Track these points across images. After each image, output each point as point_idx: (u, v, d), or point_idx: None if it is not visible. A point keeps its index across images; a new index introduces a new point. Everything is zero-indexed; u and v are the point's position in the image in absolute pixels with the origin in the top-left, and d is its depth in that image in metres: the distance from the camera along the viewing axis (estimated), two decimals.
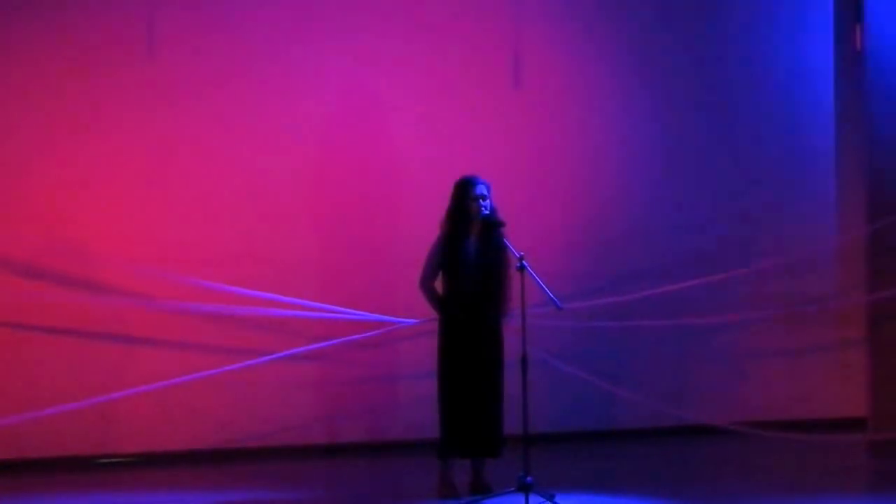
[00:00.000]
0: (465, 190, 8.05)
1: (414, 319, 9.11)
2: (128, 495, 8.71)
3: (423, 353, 8.41)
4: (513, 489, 7.72)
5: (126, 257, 9.42)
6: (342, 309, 9.35)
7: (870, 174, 9.69)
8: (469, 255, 8.02)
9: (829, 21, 10.55)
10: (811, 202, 10.65)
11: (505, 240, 8.00)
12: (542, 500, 7.70)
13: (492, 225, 8.00)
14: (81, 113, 9.46)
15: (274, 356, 9.35)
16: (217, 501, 8.34)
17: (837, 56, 10.54)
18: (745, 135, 10.62)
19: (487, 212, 8.01)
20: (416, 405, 9.19)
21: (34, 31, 9.40)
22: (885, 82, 9.60)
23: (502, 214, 8.08)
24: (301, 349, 9.47)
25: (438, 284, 8.19)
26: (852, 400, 10.11)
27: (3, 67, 9.38)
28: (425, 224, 8.26)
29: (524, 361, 7.70)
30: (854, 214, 10.19)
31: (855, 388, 9.98)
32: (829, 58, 10.60)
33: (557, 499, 7.77)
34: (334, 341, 9.45)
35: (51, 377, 9.33)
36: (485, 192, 8.03)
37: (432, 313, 8.23)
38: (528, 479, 7.63)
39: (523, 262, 7.75)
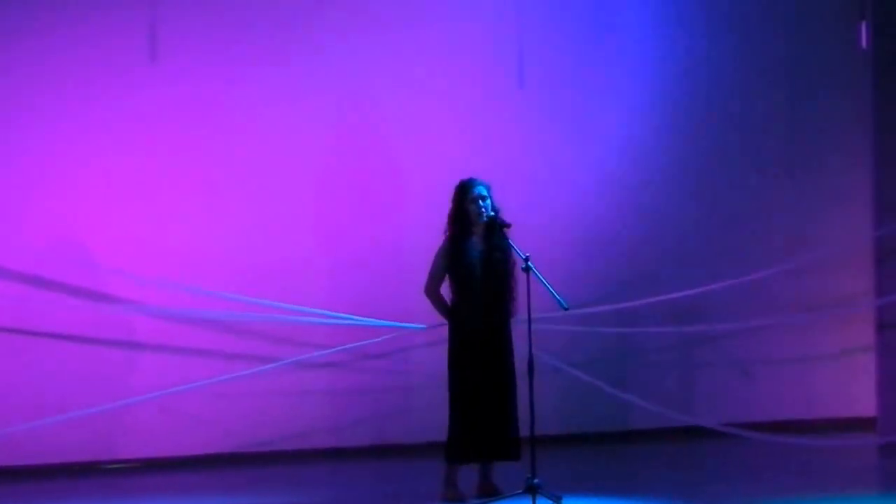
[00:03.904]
0: (464, 192, 8.03)
1: (421, 325, 9.08)
2: (134, 502, 8.70)
3: (429, 357, 8.41)
4: (520, 491, 7.69)
5: (131, 263, 9.42)
6: (349, 316, 9.33)
7: (876, 176, 9.67)
8: (473, 257, 7.99)
9: (833, 19, 10.54)
10: (817, 204, 10.64)
11: (510, 241, 7.97)
12: (549, 502, 7.66)
13: (497, 226, 7.96)
14: (84, 118, 9.46)
15: (280, 363, 9.34)
16: None
17: (842, 55, 10.51)
18: (750, 136, 10.61)
19: (491, 213, 7.98)
20: (422, 409, 9.18)
21: (37, 37, 9.38)
22: (891, 81, 9.58)
23: (506, 215, 8.04)
24: (308, 356, 9.45)
25: (445, 289, 8.15)
26: (861, 401, 10.10)
27: (5, 72, 9.36)
28: (431, 228, 8.22)
29: (531, 363, 7.67)
30: (861, 216, 10.18)
31: (864, 389, 9.97)
32: (834, 56, 10.58)
33: (564, 501, 7.74)
34: (341, 348, 9.43)
35: (56, 383, 9.31)
36: (484, 192, 8.01)
37: (440, 319, 8.20)
38: (536, 480, 7.61)
39: (529, 262, 7.73)
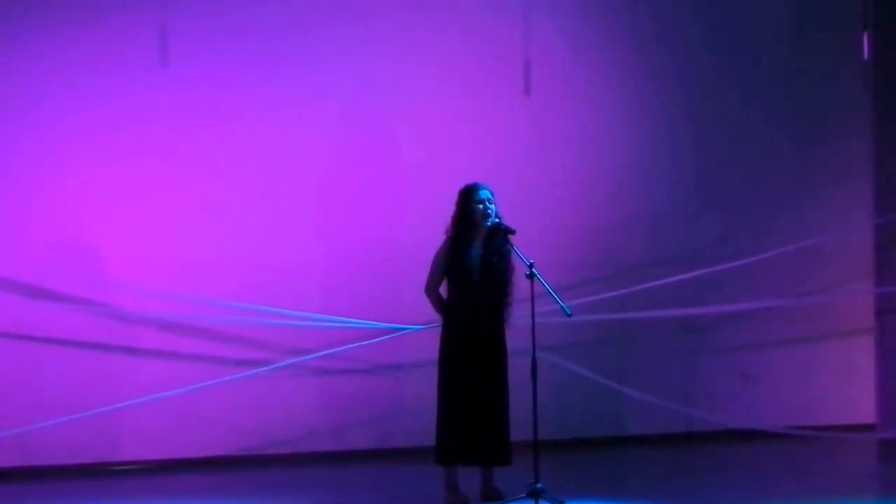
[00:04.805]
0: (470, 194, 8.07)
1: (418, 326, 9.12)
2: (137, 503, 8.72)
3: (430, 359, 8.41)
4: (523, 495, 7.72)
5: (132, 264, 9.45)
6: (348, 319, 9.36)
7: (877, 186, 9.73)
8: (473, 261, 8.02)
9: (836, 30, 10.60)
10: (820, 214, 10.69)
11: (513, 247, 8.00)
12: None
13: (501, 232, 8.00)
14: (93, 122, 9.45)
15: (280, 365, 9.38)
16: None
17: (844, 65, 10.56)
18: (753, 146, 10.65)
19: (497, 218, 8.02)
20: (423, 412, 9.15)
21: (46, 40, 9.38)
22: (893, 91, 9.64)
23: (510, 221, 8.08)
24: (307, 357, 9.48)
25: (444, 290, 8.20)
26: (861, 405, 10.16)
27: (15, 74, 9.37)
28: (434, 230, 8.26)
29: (534, 367, 7.71)
30: (860, 217, 10.25)
31: (864, 393, 10.04)
32: (836, 67, 10.64)
33: None
34: (341, 349, 9.46)
35: (59, 384, 9.32)
36: (490, 196, 8.06)
37: (438, 319, 8.23)
38: (539, 485, 7.65)
39: (533, 268, 7.77)
